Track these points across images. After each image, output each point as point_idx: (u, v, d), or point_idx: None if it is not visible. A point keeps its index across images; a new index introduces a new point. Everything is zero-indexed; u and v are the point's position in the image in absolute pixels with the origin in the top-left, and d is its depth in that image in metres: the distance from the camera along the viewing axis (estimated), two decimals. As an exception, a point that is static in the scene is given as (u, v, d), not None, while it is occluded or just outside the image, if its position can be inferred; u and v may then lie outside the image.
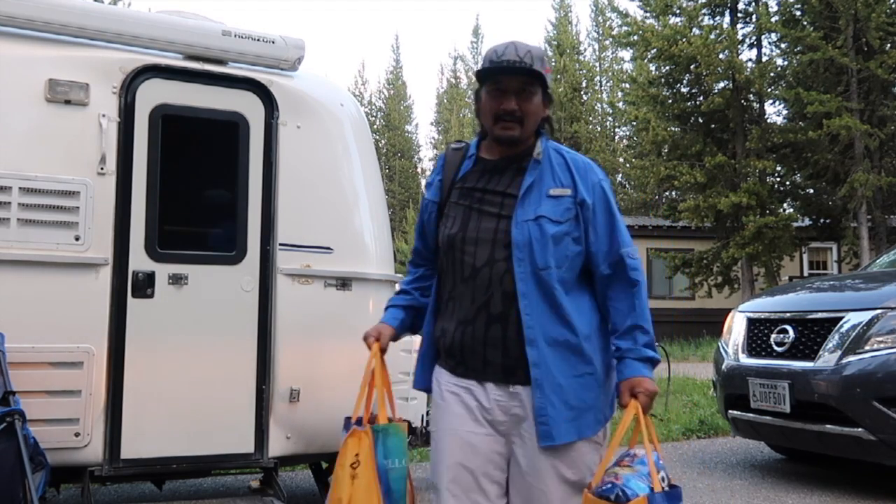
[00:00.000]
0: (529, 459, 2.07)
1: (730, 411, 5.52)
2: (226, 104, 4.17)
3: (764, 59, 22.03)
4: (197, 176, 4.56)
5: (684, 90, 22.28)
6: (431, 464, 2.22)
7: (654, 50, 21.02)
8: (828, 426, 4.81)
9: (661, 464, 2.01)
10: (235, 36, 4.19)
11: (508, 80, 2.10)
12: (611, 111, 34.13)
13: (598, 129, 36.31)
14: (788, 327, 5.19)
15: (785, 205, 22.18)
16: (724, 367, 5.63)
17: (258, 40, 4.24)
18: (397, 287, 2.47)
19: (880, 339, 4.71)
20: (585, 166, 2.18)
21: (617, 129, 36.20)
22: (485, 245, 2.09)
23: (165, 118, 4.01)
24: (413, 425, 4.54)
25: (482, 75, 2.14)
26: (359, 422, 2.27)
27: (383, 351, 2.29)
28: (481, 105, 2.18)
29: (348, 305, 4.23)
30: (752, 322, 5.53)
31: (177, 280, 3.94)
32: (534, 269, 2.04)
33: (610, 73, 36.12)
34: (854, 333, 4.79)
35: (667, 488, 1.95)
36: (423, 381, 2.28)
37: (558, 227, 2.08)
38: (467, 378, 2.13)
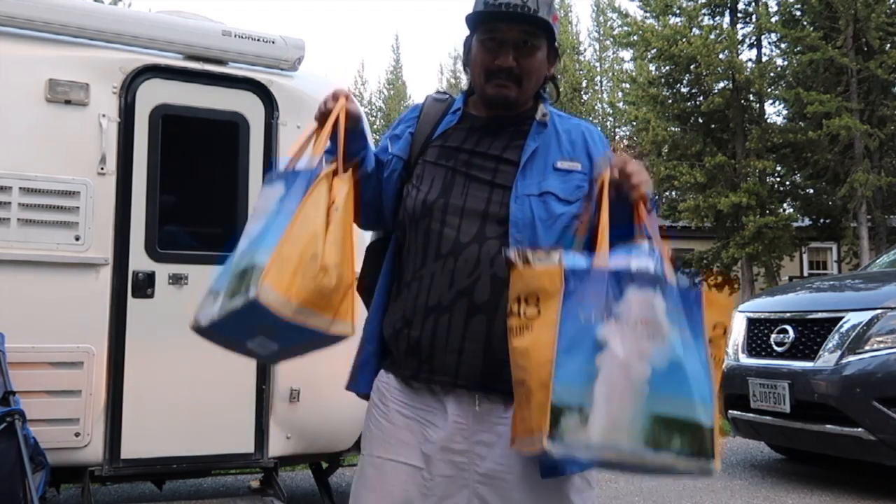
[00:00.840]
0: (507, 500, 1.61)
1: (730, 411, 5.53)
2: (226, 104, 4.17)
3: (764, 59, 22.04)
4: (197, 176, 4.57)
5: (684, 90, 22.29)
6: (357, 499, 1.73)
7: (654, 50, 21.03)
8: (828, 426, 4.81)
9: (645, 248, 1.50)
10: (235, 36, 4.19)
11: (507, 30, 1.68)
12: (611, 111, 34.11)
13: (599, 129, 36.29)
14: (788, 327, 5.19)
15: (785, 205, 22.19)
16: (724, 367, 5.63)
17: (258, 40, 4.24)
18: None
19: (880, 339, 4.72)
20: (602, 139, 1.80)
21: (617, 129, 36.20)
22: (473, 217, 1.66)
23: (165, 118, 4.01)
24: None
25: (474, 21, 1.72)
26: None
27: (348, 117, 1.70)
28: (471, 57, 1.77)
29: (348, 305, 4.23)
30: (752, 322, 5.53)
31: (177, 280, 3.94)
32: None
33: (610, 73, 36.11)
34: (854, 333, 4.79)
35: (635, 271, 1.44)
36: (367, 385, 1.78)
37: (567, 207, 1.68)
38: (425, 392, 1.67)
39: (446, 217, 1.67)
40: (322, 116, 1.70)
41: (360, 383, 1.77)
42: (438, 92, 1.91)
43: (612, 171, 1.57)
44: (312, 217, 1.53)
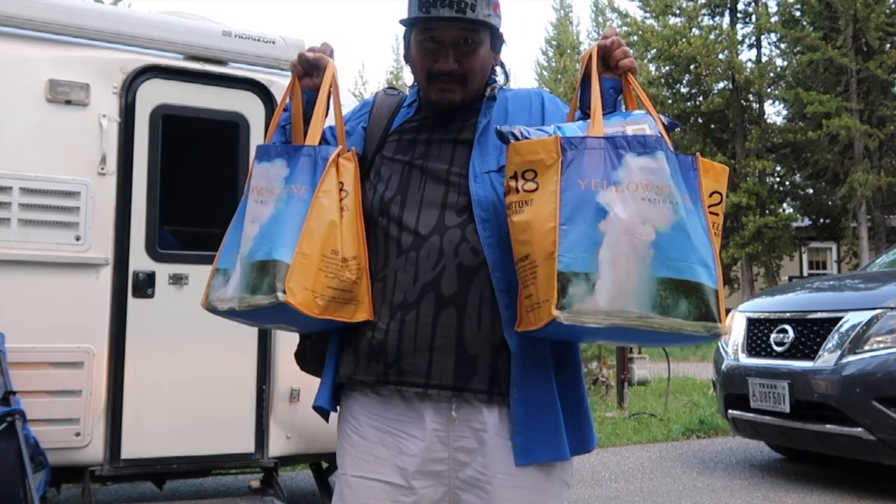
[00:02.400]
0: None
1: (730, 411, 5.53)
2: (226, 104, 4.17)
3: (763, 59, 22.06)
4: (197, 176, 4.57)
5: (684, 90, 22.32)
6: None
7: (654, 50, 21.07)
8: (828, 426, 4.81)
9: (640, 114, 1.49)
10: (235, 36, 4.19)
11: (444, 29, 1.59)
12: (610, 111, 34.11)
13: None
14: (788, 327, 5.19)
15: (785, 205, 22.22)
16: (723, 366, 5.64)
17: (258, 40, 4.24)
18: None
19: (880, 338, 4.72)
20: (560, 105, 1.70)
21: (617, 130, 36.18)
22: (431, 209, 1.58)
23: (166, 118, 4.02)
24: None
25: (409, 23, 1.64)
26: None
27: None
28: (411, 56, 1.69)
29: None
30: (751, 322, 5.53)
31: (177, 280, 3.94)
32: (505, 235, 1.50)
33: (610, 74, 36.08)
34: (854, 333, 4.79)
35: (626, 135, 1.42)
36: (326, 399, 1.64)
37: None
38: (397, 400, 1.58)
39: (404, 213, 1.59)
40: (303, 67, 1.66)
41: (318, 397, 1.65)
42: (389, 87, 1.84)
43: (603, 40, 1.54)
44: (328, 207, 1.51)
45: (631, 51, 1.56)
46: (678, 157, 1.41)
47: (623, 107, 1.57)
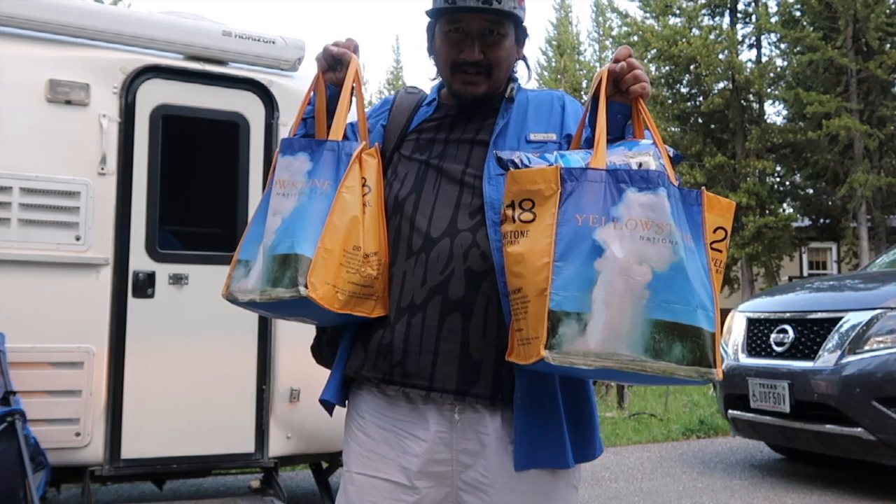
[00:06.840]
0: None
1: (730, 411, 5.53)
2: (226, 104, 4.18)
3: (763, 59, 22.06)
4: (197, 176, 4.57)
5: (684, 90, 22.31)
6: None
7: (654, 50, 21.06)
8: (827, 426, 4.81)
9: (645, 145, 1.45)
10: (235, 36, 4.19)
11: (470, 20, 1.59)
12: (611, 111, 34.06)
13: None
14: (788, 327, 5.19)
15: (785, 205, 22.21)
16: (723, 367, 5.63)
17: (258, 40, 4.25)
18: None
19: (880, 339, 4.72)
20: (575, 107, 1.69)
21: (617, 130, 36.12)
22: (444, 211, 1.58)
23: (166, 118, 4.02)
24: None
25: (435, 14, 1.64)
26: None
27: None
28: (435, 47, 1.69)
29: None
30: (751, 322, 5.53)
31: (177, 280, 3.94)
32: None
33: (610, 74, 36.03)
34: (854, 333, 4.79)
35: (630, 168, 1.38)
36: (333, 392, 1.64)
37: None
38: (401, 401, 1.57)
39: (417, 213, 1.59)
40: (327, 61, 1.66)
41: (326, 390, 1.65)
42: (410, 86, 1.84)
43: (615, 62, 1.50)
44: (351, 203, 1.52)
45: (643, 73, 1.52)
46: (682, 191, 1.38)
47: (631, 133, 1.54)
